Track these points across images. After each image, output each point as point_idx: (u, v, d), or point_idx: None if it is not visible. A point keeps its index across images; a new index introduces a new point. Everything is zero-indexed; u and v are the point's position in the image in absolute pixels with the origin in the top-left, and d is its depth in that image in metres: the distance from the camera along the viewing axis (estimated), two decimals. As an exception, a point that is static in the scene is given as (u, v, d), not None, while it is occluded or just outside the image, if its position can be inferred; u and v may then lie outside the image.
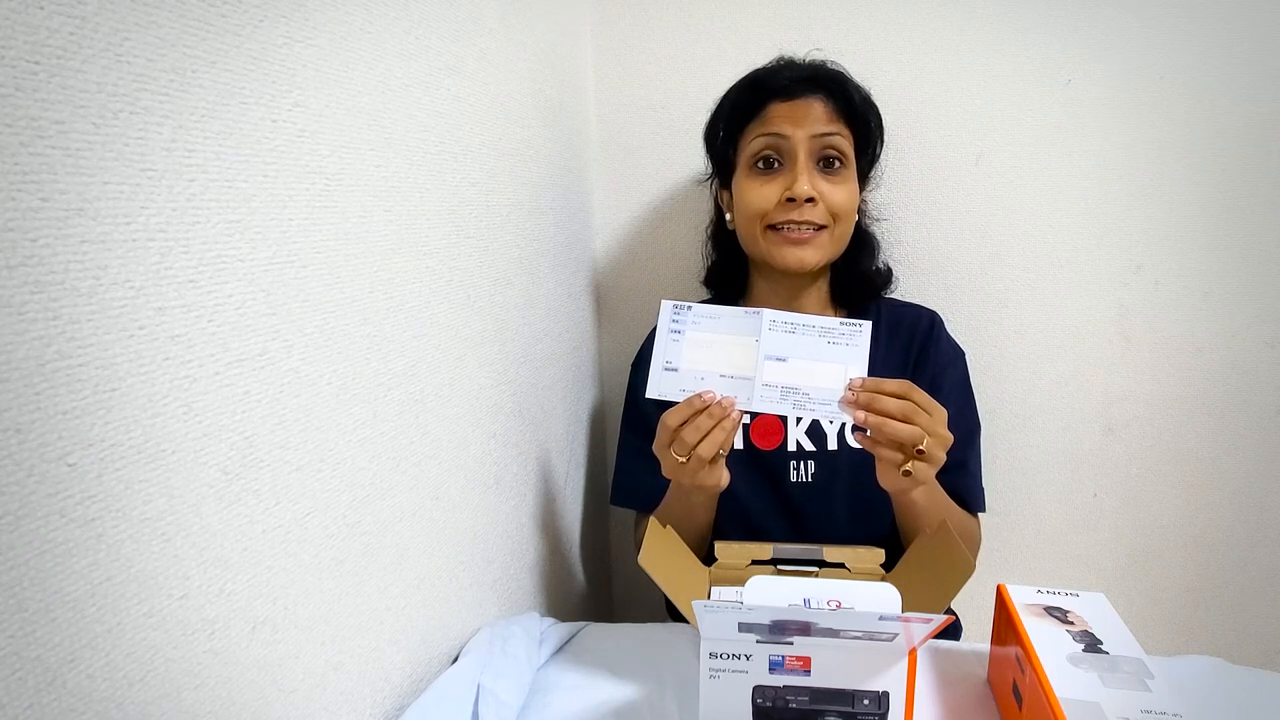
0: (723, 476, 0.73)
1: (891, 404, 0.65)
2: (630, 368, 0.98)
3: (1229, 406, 1.04)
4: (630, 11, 1.06)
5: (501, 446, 0.77)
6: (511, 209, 0.79)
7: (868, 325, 0.67)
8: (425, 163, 0.62)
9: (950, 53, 1.00)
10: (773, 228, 0.84)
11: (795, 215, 0.82)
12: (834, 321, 0.68)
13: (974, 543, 0.87)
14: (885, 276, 0.94)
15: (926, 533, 0.73)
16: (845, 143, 0.83)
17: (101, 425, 0.35)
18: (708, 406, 0.68)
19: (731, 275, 0.96)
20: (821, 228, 0.83)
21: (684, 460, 0.69)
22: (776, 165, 0.83)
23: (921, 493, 0.74)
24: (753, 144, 0.84)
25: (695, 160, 1.07)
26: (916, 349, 0.90)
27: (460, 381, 0.68)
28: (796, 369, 0.69)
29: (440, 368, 0.65)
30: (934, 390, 0.87)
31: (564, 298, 0.97)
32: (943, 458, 0.67)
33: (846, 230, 0.86)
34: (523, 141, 0.82)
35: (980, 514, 0.89)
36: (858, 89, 0.86)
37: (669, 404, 0.77)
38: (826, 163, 0.83)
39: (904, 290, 1.03)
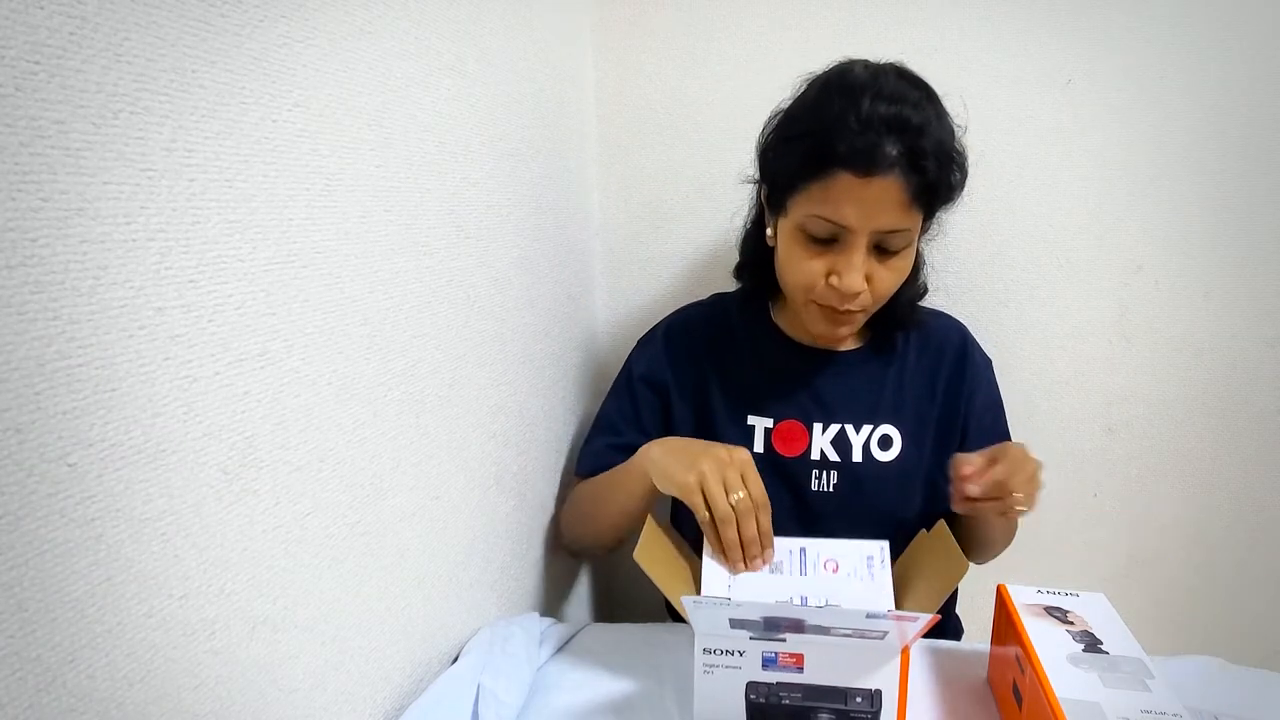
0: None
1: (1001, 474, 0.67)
2: (636, 343, 0.95)
3: (1229, 406, 1.04)
4: (630, 11, 1.05)
5: (501, 446, 0.77)
6: (511, 209, 0.79)
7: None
8: (425, 163, 0.62)
9: (950, 53, 1.00)
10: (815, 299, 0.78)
11: (837, 302, 0.76)
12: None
13: None
14: (921, 294, 0.89)
15: (924, 532, 0.73)
16: (913, 225, 0.74)
17: (101, 425, 0.35)
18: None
19: (766, 273, 0.86)
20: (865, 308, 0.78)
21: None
22: (830, 240, 0.75)
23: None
24: (809, 211, 0.74)
25: (695, 160, 1.07)
26: (949, 368, 0.87)
27: (460, 381, 0.68)
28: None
29: (440, 368, 0.65)
30: (972, 407, 0.86)
31: (564, 298, 0.97)
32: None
33: (889, 297, 0.79)
34: (523, 141, 0.82)
35: None
36: (941, 153, 0.71)
37: (660, 382, 0.78)
38: (886, 245, 0.74)
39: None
